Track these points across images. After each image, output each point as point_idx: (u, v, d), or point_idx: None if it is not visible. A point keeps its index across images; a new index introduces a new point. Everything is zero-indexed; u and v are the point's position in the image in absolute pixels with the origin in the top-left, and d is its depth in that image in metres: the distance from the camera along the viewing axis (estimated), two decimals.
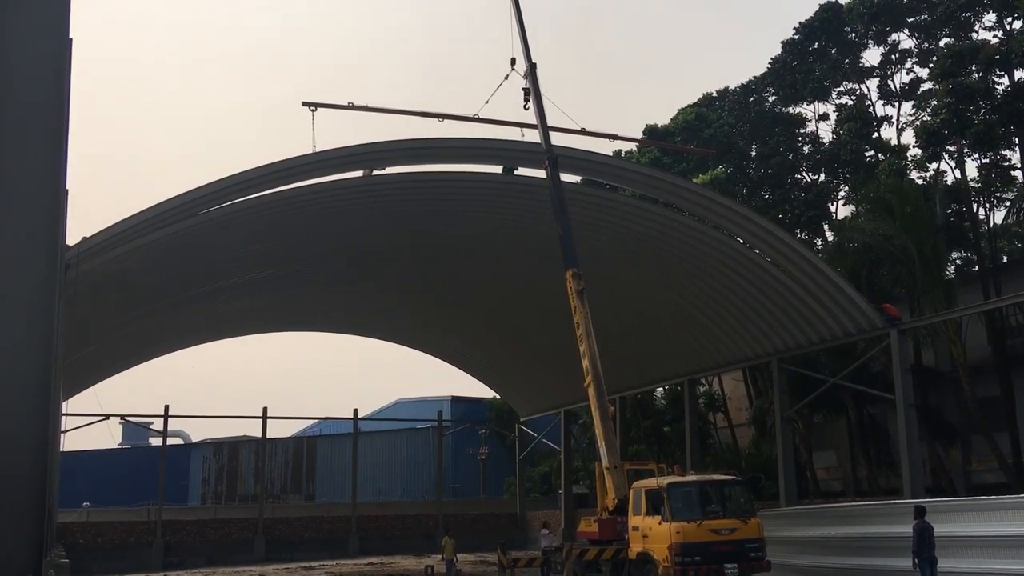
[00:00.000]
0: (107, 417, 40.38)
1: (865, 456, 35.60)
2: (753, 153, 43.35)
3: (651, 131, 44.78)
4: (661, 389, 44.86)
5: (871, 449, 35.32)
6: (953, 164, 34.90)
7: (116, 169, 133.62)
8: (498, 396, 52.66)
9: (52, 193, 3.60)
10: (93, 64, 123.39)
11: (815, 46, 40.28)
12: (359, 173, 26.83)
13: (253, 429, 52.34)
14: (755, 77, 43.37)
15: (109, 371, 38.47)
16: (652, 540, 18.95)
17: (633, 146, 43.68)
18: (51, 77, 3.55)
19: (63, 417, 32.39)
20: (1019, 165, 34.13)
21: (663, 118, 61.52)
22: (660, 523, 18.68)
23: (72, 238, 20.51)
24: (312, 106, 26.47)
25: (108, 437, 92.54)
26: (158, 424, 42.57)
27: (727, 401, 44.38)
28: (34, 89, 3.48)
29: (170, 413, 41.77)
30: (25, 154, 3.40)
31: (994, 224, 35.78)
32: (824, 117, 42.08)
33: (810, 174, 42.42)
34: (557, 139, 26.80)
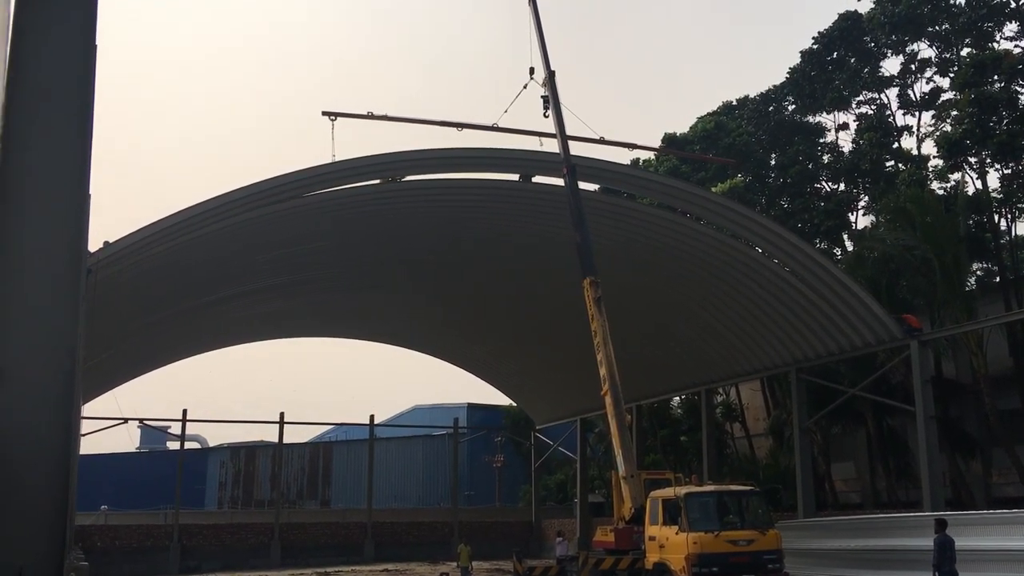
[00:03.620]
0: (125, 421, 40.62)
1: (884, 468, 35.30)
2: (772, 162, 43.21)
3: (670, 139, 44.70)
4: (678, 398, 44.68)
5: (890, 461, 35.02)
6: (975, 174, 34.64)
7: (131, 172, 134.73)
8: (514, 404, 52.59)
9: (77, 199, 3.62)
10: (111, 68, 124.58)
11: (834, 55, 40.15)
12: (377, 181, 26.94)
13: (270, 434, 52.61)
14: (774, 86, 43.28)
15: (128, 375, 38.70)
16: (669, 550, 18.85)
17: (651, 155, 43.59)
18: (77, 82, 3.58)
19: (82, 420, 32.60)
20: None
21: (682, 126, 61.53)
22: (677, 533, 18.58)
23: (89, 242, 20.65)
24: (332, 115, 26.58)
25: (126, 440, 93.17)
26: (176, 428, 42.81)
27: (744, 411, 44.14)
28: (61, 95, 3.50)
29: (188, 417, 41.95)
30: (51, 160, 3.43)
31: (1016, 235, 35.48)
32: (844, 127, 41.94)
33: (830, 184, 42.23)
34: (576, 148, 26.82)
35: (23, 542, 3.20)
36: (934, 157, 36.79)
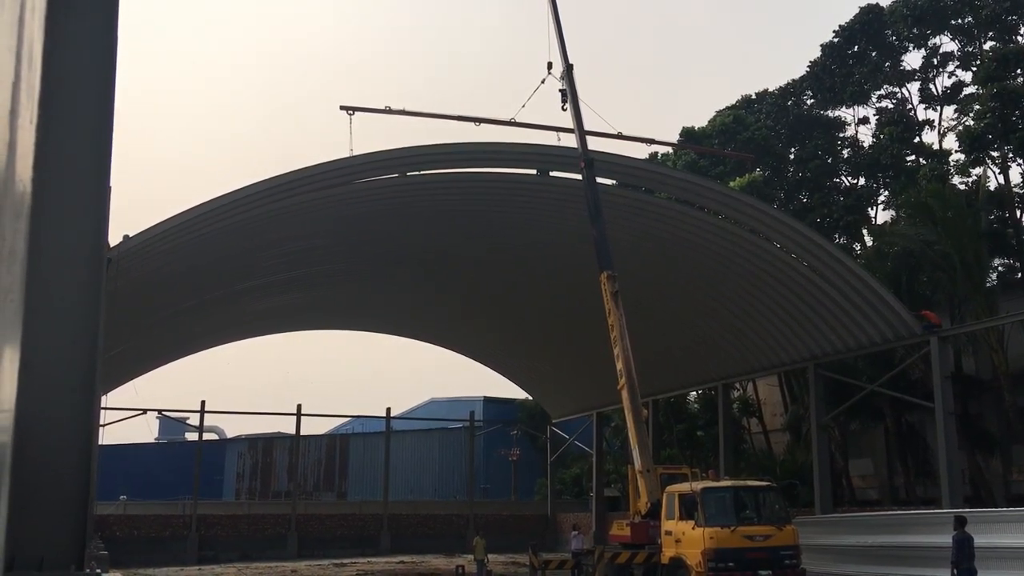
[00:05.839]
0: (145, 411, 40.95)
1: (903, 464, 35.11)
2: (791, 156, 42.98)
3: (688, 134, 44.53)
4: (695, 393, 44.58)
5: (909, 457, 34.83)
6: (996, 169, 34.36)
7: (151, 168, 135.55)
8: (530, 397, 52.64)
9: (98, 191, 3.65)
10: (133, 65, 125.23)
11: (855, 49, 39.88)
12: (395, 175, 27.05)
13: (287, 426, 52.85)
14: (794, 80, 43.07)
15: (147, 366, 39.01)
16: (685, 545, 18.82)
17: (669, 149, 43.45)
18: (98, 76, 3.60)
19: (102, 411, 32.86)
20: None
21: (700, 120, 61.25)
22: (693, 528, 18.54)
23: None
24: (350, 110, 26.65)
25: (145, 431, 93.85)
26: (194, 419, 43.04)
27: (762, 406, 43.99)
28: (82, 88, 3.53)
29: (206, 409, 42.23)
30: (74, 151, 3.46)
31: None
32: (864, 121, 41.71)
33: (849, 178, 41.99)
34: (594, 143, 26.74)
35: (44, 531, 3.23)
36: (955, 152, 36.53)
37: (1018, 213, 34.50)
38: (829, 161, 41.58)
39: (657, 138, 35.30)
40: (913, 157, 38.79)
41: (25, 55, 3.04)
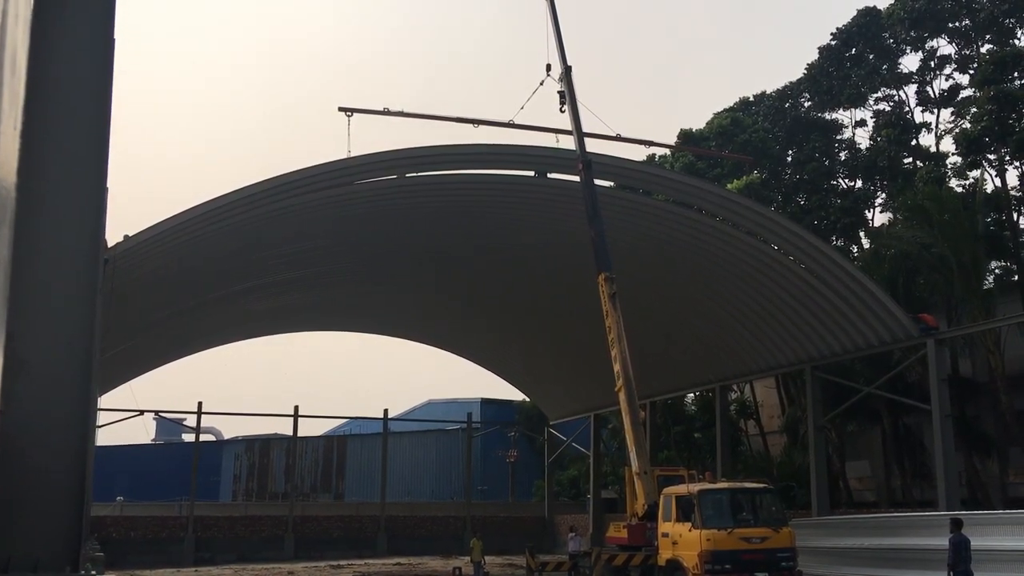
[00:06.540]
0: (141, 412, 40.84)
1: (899, 467, 35.12)
2: (789, 158, 43.02)
3: (686, 136, 44.55)
4: (692, 395, 44.59)
5: (906, 460, 34.84)
6: (993, 172, 34.40)
7: (144, 167, 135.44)
8: (528, 399, 52.62)
9: (95, 192, 3.65)
10: (133, 65, 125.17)
11: (852, 51, 39.94)
12: (393, 176, 27.06)
13: (284, 427, 52.89)
14: (791, 82, 43.11)
15: (145, 367, 38.96)
16: (682, 547, 18.82)
17: (667, 150, 43.46)
18: (95, 77, 3.60)
19: (98, 412, 32.81)
20: None
21: (698, 122, 61.26)
22: (690, 530, 18.55)
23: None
24: (348, 111, 26.67)
25: (142, 432, 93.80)
26: (191, 420, 42.97)
27: (759, 408, 44.00)
28: (79, 91, 3.53)
29: (203, 410, 42.15)
30: (70, 153, 3.46)
31: None
32: (861, 123, 41.72)
33: (847, 181, 42.02)
34: (592, 145, 26.75)
35: (40, 532, 3.23)
36: (953, 154, 36.60)
37: (1015, 216, 34.55)
38: (826, 163, 41.63)
39: (655, 140, 35.41)
40: (910, 160, 38.84)
41: (8, 62, 3.04)
